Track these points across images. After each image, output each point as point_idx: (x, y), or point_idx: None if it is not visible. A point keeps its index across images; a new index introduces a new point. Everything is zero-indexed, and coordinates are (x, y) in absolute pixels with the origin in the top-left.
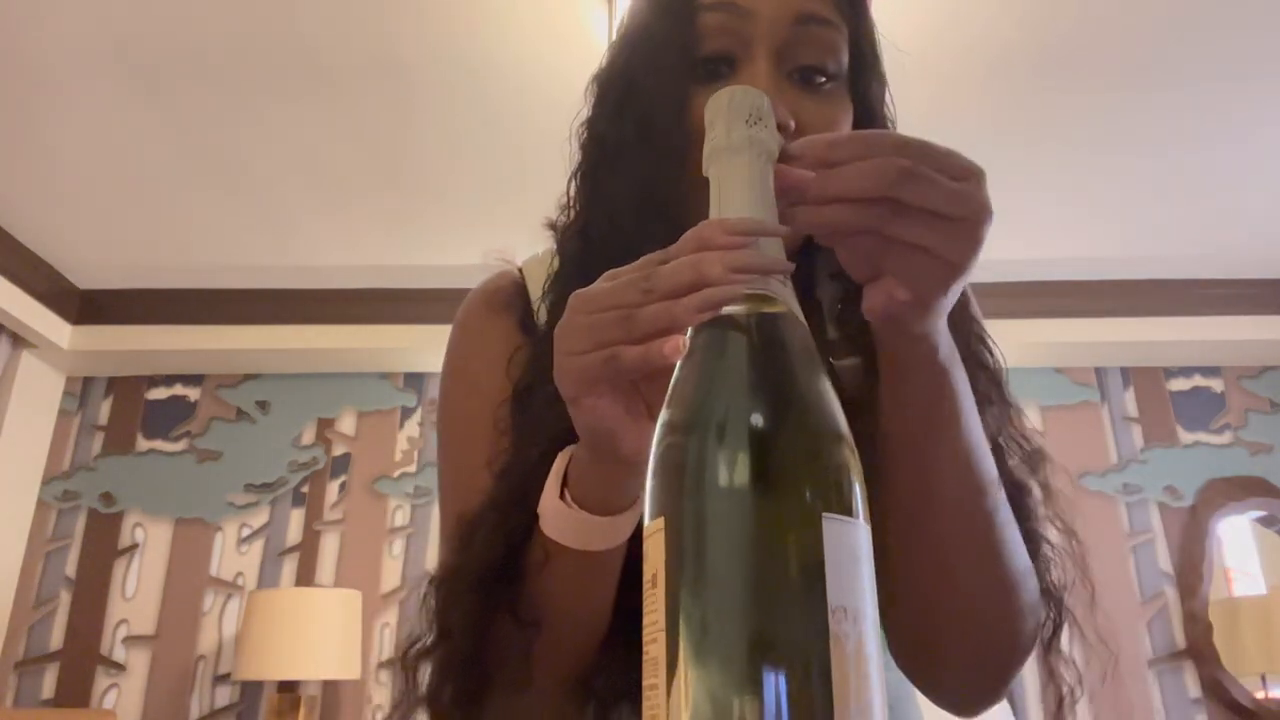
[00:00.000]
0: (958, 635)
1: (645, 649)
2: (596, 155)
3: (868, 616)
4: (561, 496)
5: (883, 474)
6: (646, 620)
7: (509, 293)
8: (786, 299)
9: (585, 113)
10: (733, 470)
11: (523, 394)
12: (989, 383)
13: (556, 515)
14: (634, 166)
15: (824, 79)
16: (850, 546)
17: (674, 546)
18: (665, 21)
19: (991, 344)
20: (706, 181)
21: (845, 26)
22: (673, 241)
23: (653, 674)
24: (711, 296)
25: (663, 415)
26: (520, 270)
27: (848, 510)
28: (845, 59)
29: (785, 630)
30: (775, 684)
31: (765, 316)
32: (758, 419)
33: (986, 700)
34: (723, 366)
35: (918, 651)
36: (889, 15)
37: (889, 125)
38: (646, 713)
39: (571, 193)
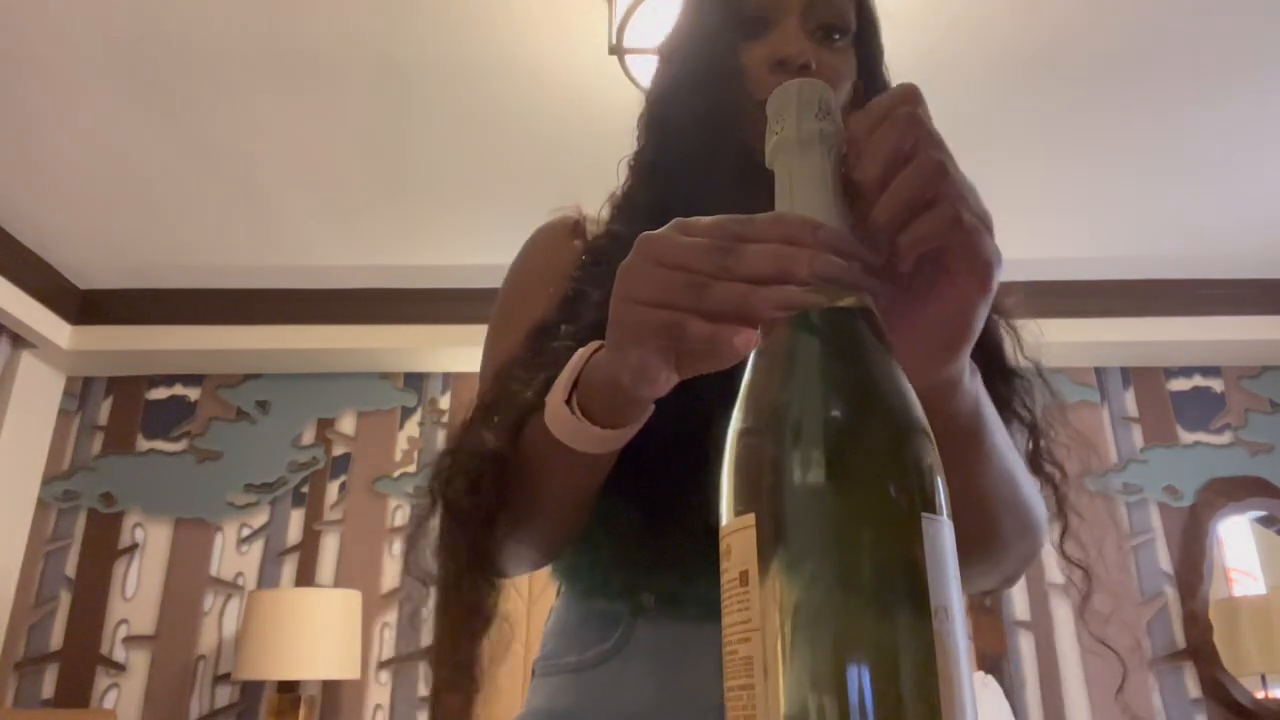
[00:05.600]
0: (986, 553)
1: (733, 648)
2: (663, 94)
3: (958, 615)
4: (569, 400)
5: None
6: (734, 619)
7: (573, 224)
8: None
9: (653, 69)
10: (830, 470)
11: (573, 299)
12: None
13: (558, 417)
14: (695, 99)
15: (838, 36)
16: (943, 545)
17: (768, 546)
18: None
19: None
20: (757, 103)
21: None
22: (732, 167)
23: (744, 674)
24: (792, 298)
25: (744, 412)
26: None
27: (937, 508)
28: (853, 22)
29: (891, 632)
30: (883, 686)
31: (848, 311)
32: (853, 416)
33: (1012, 580)
34: (812, 361)
35: None
36: (892, 8)
37: (887, 81)
38: (739, 713)
39: (640, 129)
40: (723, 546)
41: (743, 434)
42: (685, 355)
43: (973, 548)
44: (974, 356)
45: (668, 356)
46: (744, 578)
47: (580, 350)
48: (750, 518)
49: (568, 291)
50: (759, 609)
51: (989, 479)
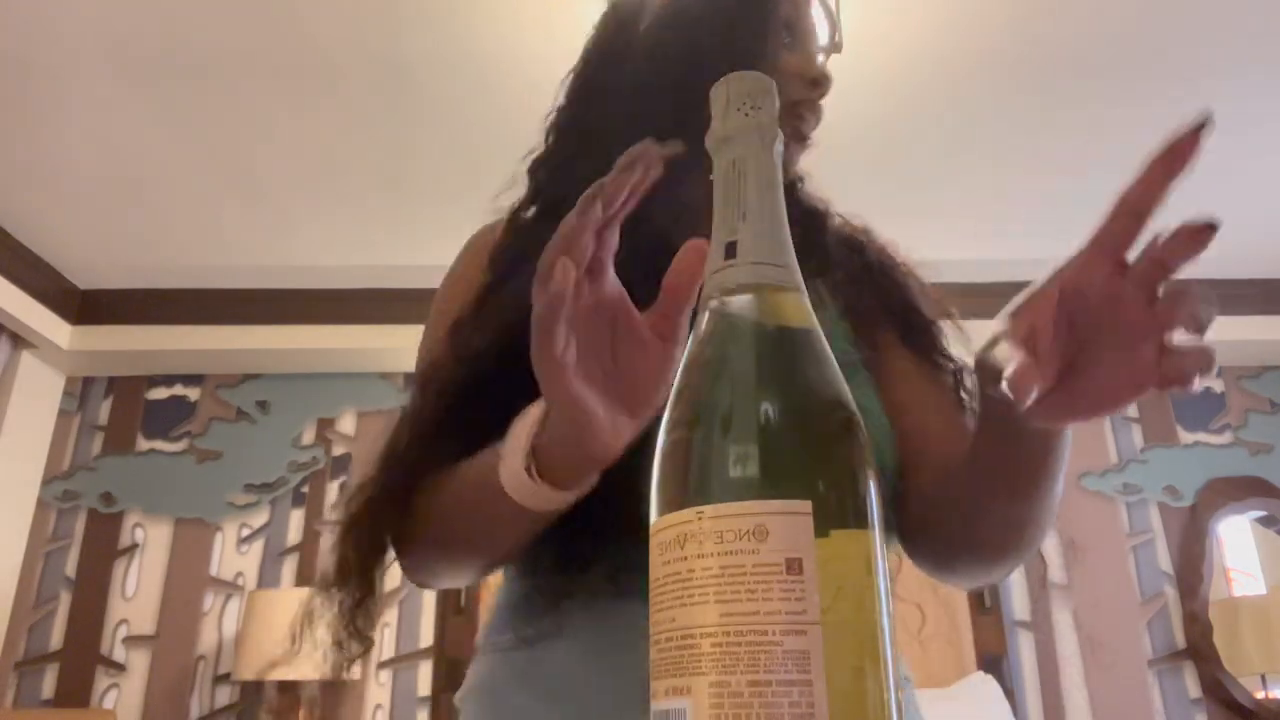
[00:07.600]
0: (986, 559)
1: (774, 639)
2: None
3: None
4: (527, 468)
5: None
6: (773, 608)
7: (501, 225)
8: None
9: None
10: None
11: (492, 285)
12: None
13: (516, 482)
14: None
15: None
16: None
17: (832, 525)
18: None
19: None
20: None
21: None
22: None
23: (792, 668)
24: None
25: (783, 394)
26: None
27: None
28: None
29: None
30: (893, 669)
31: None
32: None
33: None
34: (827, 351)
35: (944, 563)
36: (894, 14)
37: None
38: (780, 711)
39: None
40: (749, 525)
41: (794, 418)
42: (624, 385)
43: (983, 553)
44: (892, 317)
45: (605, 399)
46: (794, 565)
47: (530, 411)
48: (805, 504)
49: (480, 282)
50: (816, 601)
51: (1033, 510)
